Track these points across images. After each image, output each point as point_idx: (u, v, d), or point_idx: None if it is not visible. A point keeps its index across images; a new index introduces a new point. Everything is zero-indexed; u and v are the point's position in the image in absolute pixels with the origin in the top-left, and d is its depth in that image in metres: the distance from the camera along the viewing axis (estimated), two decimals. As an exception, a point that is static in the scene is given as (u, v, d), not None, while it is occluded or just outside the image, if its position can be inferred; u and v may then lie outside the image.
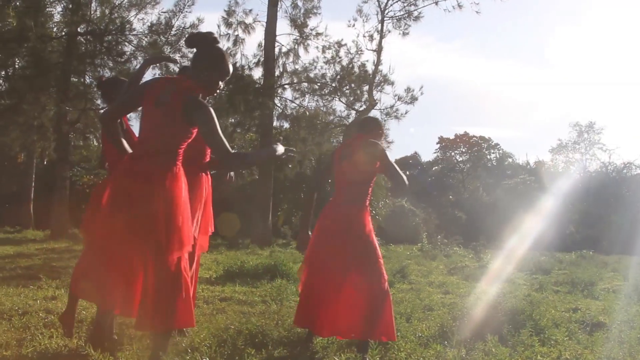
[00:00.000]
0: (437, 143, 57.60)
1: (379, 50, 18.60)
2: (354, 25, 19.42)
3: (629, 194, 37.12)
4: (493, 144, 57.37)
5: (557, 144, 59.80)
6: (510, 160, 57.03)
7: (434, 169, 55.73)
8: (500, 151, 57.32)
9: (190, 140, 3.89)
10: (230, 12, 18.27)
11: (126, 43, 15.79)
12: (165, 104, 3.82)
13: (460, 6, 18.97)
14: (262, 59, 18.27)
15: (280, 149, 3.99)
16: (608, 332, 6.01)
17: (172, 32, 15.94)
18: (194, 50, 3.98)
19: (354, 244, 4.81)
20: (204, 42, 3.93)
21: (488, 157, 57.39)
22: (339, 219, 4.90)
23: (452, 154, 57.66)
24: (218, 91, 4.00)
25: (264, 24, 17.92)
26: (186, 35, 4.15)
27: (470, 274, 11.82)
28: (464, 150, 56.84)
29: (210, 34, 3.98)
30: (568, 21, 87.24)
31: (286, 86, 18.96)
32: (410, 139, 79.50)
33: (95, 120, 17.07)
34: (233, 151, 3.76)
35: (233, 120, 18.59)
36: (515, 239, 21.89)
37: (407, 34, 18.97)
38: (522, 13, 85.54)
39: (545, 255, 17.98)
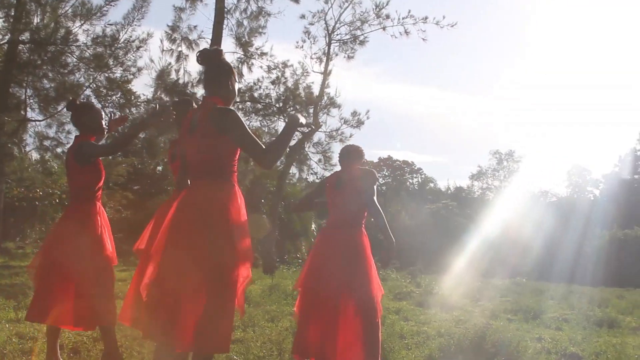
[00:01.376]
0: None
1: (325, 73, 18.61)
2: (302, 47, 19.38)
3: (547, 220, 38.27)
4: (415, 168, 58.42)
5: (477, 170, 61.36)
6: (431, 184, 58.14)
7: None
8: (422, 176, 58.41)
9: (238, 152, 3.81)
10: (174, 28, 17.88)
11: (69, 54, 15.34)
12: (196, 127, 3.73)
13: (407, 33, 19.13)
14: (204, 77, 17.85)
15: (302, 118, 3.90)
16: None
17: (118, 45, 15.57)
18: (205, 67, 3.90)
19: (352, 267, 4.82)
20: (217, 57, 3.87)
21: (410, 181, 58.35)
22: (339, 243, 4.95)
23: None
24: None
25: (209, 40, 17.66)
26: (197, 53, 4.04)
27: (420, 300, 11.89)
28: (386, 173, 57.62)
29: (218, 49, 3.94)
30: (491, 48, 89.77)
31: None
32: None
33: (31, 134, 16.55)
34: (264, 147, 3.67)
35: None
36: (448, 264, 22.31)
37: (352, 57, 19.04)
38: (442, 39, 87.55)
39: (481, 282, 18.31)
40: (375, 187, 5.12)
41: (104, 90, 16.79)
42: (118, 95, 17.42)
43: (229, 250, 3.62)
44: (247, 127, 3.71)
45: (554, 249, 30.57)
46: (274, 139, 3.73)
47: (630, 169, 53.40)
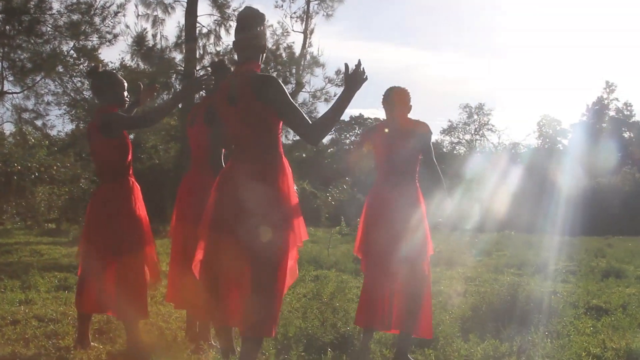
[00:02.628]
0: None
1: (305, 32, 18.30)
2: (281, 6, 19.02)
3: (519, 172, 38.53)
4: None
5: (448, 125, 61.52)
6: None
7: (329, 151, 56.09)
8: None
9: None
10: (148, -8, 17.38)
11: (43, 23, 14.80)
12: (236, 96, 3.52)
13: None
14: (182, 41, 17.57)
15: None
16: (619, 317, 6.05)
17: (94, 12, 15.08)
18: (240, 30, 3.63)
19: (407, 228, 4.64)
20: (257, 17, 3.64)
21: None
22: (394, 201, 4.69)
23: (347, 135, 58.25)
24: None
25: (184, 4, 17.23)
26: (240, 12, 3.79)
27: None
28: (359, 132, 57.48)
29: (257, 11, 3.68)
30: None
31: (209, 69, 18.35)
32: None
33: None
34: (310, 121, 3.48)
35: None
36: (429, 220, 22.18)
37: (331, 15, 18.71)
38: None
39: (469, 236, 18.30)
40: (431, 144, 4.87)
41: (71, 60, 16.30)
42: (86, 65, 16.89)
43: (280, 232, 3.46)
44: (289, 97, 3.50)
45: (529, 201, 30.77)
46: (324, 112, 3.49)
47: (597, 118, 54.05)
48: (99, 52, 16.74)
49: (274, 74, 17.46)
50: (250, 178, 3.48)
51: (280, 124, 3.59)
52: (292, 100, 3.48)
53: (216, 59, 18.02)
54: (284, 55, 18.20)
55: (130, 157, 4.77)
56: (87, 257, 4.70)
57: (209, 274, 3.62)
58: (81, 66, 16.94)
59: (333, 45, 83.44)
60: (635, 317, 6.07)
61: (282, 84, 3.48)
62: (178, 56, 17.49)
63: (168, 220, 5.73)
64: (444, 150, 57.90)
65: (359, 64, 3.51)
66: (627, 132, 54.09)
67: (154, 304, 6.26)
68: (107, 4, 15.25)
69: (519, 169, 35.70)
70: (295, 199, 3.59)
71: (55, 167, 17.91)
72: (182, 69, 17.30)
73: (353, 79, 3.49)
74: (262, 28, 3.67)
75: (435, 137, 62.19)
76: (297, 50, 18.36)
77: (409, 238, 4.61)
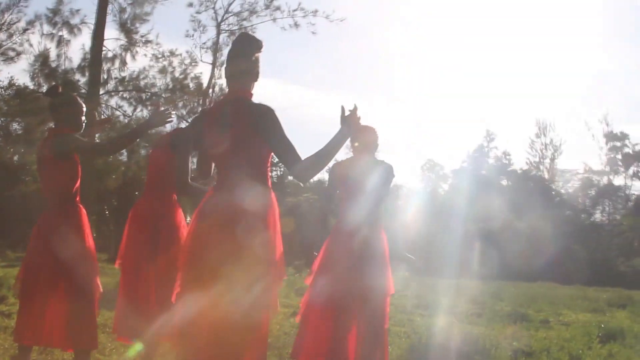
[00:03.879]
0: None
1: (214, 63, 18.18)
2: (192, 36, 18.83)
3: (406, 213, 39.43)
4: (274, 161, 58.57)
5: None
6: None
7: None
8: (281, 170, 58.67)
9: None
10: (55, 11, 16.75)
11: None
12: (229, 123, 3.43)
13: (297, 25, 19.06)
14: (87, 64, 17.04)
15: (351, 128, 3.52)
16: None
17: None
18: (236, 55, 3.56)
19: (371, 267, 4.64)
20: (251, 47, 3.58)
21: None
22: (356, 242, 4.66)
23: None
24: None
25: (91, 26, 16.78)
26: (237, 36, 3.74)
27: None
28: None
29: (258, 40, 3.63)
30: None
31: (113, 94, 17.98)
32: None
33: None
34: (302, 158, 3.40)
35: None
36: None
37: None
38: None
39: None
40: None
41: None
42: None
43: (267, 277, 3.32)
44: (284, 130, 3.45)
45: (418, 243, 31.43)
46: (317, 150, 3.44)
47: (477, 165, 56.08)
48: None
49: (180, 104, 17.58)
50: (239, 211, 3.33)
51: (270, 157, 3.54)
52: (287, 135, 3.43)
53: (120, 86, 17.93)
54: (191, 85, 18.06)
55: (78, 182, 4.59)
56: (29, 284, 4.42)
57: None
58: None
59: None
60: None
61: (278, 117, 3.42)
62: (82, 79, 16.99)
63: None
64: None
65: (355, 109, 3.51)
66: (505, 180, 56.45)
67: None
68: (13, 21, 14.63)
69: (407, 211, 36.49)
70: (280, 239, 3.48)
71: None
72: (85, 92, 16.75)
73: (349, 122, 3.48)
74: (258, 56, 3.62)
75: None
76: (205, 80, 18.21)
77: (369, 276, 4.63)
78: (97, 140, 5.17)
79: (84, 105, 4.67)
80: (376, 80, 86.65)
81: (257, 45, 3.60)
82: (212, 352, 3.23)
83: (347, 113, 3.47)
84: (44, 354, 5.36)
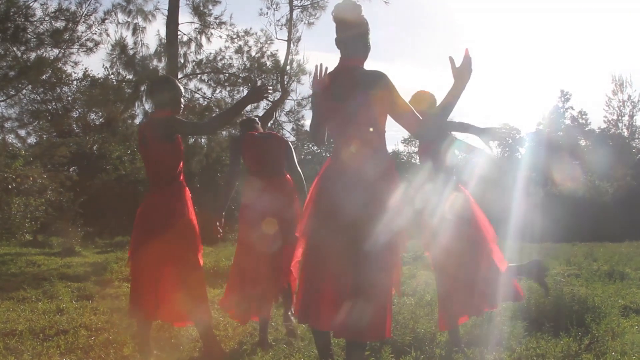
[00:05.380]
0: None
1: (289, 39, 18.14)
2: (266, 14, 18.90)
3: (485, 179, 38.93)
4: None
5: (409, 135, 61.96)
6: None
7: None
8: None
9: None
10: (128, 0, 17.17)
11: (25, 31, 14.45)
12: (343, 93, 3.51)
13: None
14: (163, 49, 17.32)
15: None
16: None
17: (78, 19, 14.78)
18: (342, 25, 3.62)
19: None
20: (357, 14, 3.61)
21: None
22: None
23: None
24: None
25: (165, 12, 17.00)
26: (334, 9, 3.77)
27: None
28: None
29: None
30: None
31: (191, 77, 18.26)
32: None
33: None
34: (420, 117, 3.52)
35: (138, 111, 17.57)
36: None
37: (312, 24, 18.51)
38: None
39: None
40: None
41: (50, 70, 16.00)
42: (48, 75, 16.58)
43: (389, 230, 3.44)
44: (399, 93, 3.48)
45: (493, 208, 30.97)
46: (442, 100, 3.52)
47: (553, 126, 54.83)
48: (61, 62, 16.39)
49: (258, 82, 17.64)
50: (366, 172, 3.44)
51: (386, 120, 3.58)
52: (402, 98, 3.47)
53: (197, 69, 18.12)
54: (268, 63, 18.16)
55: (182, 162, 4.75)
56: (141, 263, 4.61)
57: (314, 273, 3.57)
58: (43, 76, 16.60)
59: (318, 56, 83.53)
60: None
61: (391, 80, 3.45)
62: (159, 64, 17.26)
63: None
64: (403, 159, 58.23)
65: (467, 54, 3.52)
66: (583, 140, 55.04)
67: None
68: (90, 12, 14.97)
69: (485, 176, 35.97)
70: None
71: (31, 178, 17.53)
72: (165, 77, 16.95)
73: (462, 70, 3.51)
74: (366, 22, 3.65)
75: (394, 147, 62.68)
76: (282, 58, 18.25)
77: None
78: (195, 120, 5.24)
79: (182, 88, 4.80)
80: (438, 47, 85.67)
81: (362, 16, 3.62)
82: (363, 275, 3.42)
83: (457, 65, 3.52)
84: (162, 330, 5.54)
